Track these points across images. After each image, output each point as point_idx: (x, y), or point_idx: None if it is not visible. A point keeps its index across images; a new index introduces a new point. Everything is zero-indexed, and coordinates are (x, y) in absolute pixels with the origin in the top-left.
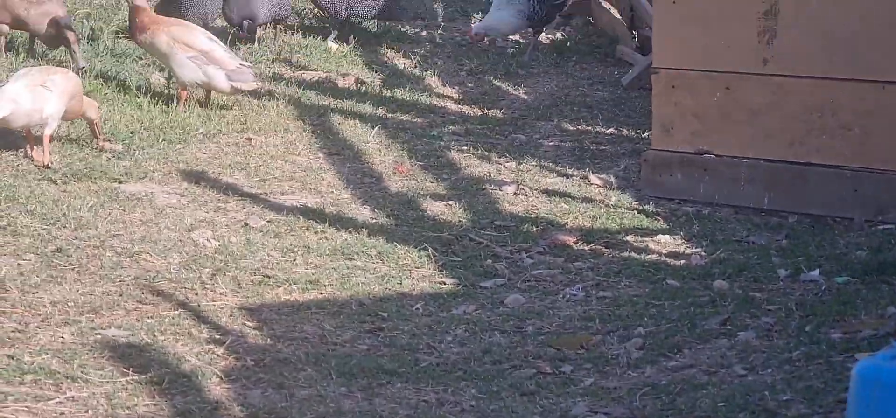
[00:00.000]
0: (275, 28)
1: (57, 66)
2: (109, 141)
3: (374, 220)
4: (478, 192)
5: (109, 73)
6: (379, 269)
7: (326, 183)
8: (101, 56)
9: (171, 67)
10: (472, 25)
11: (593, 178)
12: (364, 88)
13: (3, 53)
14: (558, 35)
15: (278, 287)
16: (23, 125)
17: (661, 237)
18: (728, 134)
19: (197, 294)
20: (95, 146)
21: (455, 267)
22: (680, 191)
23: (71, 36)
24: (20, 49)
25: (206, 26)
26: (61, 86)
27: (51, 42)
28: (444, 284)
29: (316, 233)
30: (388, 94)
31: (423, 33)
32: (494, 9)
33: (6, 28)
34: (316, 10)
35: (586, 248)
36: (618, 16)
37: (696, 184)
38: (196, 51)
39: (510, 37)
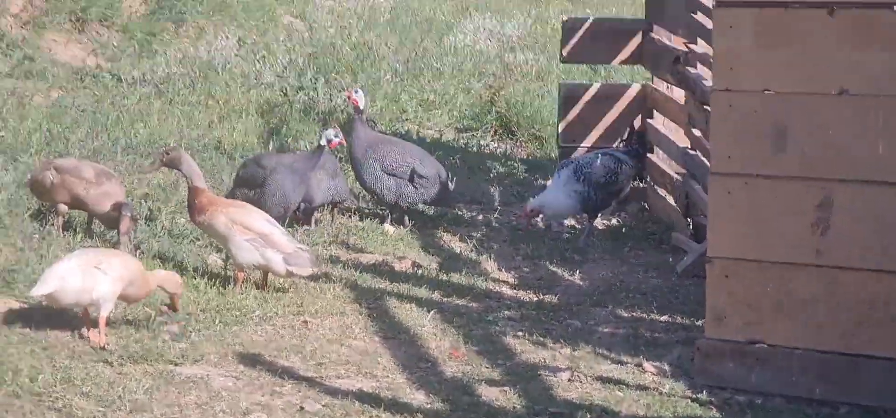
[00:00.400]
0: (332, 210)
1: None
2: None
3: (429, 405)
4: (533, 378)
5: (167, 253)
6: None
7: (382, 366)
8: (159, 236)
9: (229, 249)
10: (528, 202)
11: (647, 366)
12: (420, 272)
13: (61, 233)
14: (614, 221)
15: None
16: (71, 304)
17: None
18: (780, 324)
19: None
20: (163, 321)
21: None
22: (733, 380)
23: (124, 223)
24: (78, 229)
25: (286, 213)
26: (117, 270)
27: (110, 223)
28: None
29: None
30: (445, 277)
31: (480, 217)
32: (550, 188)
33: (64, 208)
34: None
35: None
36: (673, 203)
37: (748, 373)
38: (254, 233)
39: (565, 221)
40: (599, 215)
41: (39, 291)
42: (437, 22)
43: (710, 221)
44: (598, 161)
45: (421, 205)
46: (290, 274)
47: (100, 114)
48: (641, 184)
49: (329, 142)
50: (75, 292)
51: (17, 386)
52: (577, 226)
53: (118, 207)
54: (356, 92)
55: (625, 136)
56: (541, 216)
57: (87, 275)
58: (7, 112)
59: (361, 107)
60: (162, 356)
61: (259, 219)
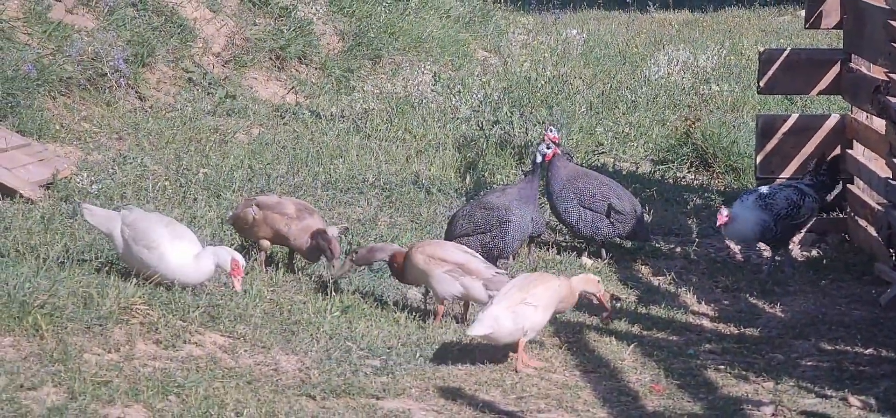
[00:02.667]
0: (529, 245)
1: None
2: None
3: None
4: (736, 413)
5: (367, 288)
6: None
7: (582, 401)
8: (360, 270)
9: (430, 284)
10: (723, 209)
11: (853, 400)
12: (619, 305)
13: (264, 268)
14: (814, 252)
15: None
16: (506, 342)
17: None
18: None
19: None
20: (602, 318)
21: None
22: None
23: (334, 245)
24: (279, 264)
25: (521, 248)
26: (544, 299)
27: (311, 256)
28: None
29: None
30: (643, 310)
31: (678, 249)
32: (737, 206)
33: (267, 243)
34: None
35: None
36: (874, 233)
37: None
38: (451, 264)
39: (758, 248)
40: (784, 247)
41: (476, 332)
42: (631, 54)
43: None
44: (781, 193)
45: (617, 239)
46: (491, 299)
47: (299, 149)
48: (841, 215)
49: (544, 156)
50: (508, 332)
51: None
52: (777, 258)
53: (317, 235)
54: (549, 129)
55: (812, 168)
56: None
57: (518, 314)
58: (210, 149)
59: (558, 142)
60: (364, 390)
61: (454, 250)
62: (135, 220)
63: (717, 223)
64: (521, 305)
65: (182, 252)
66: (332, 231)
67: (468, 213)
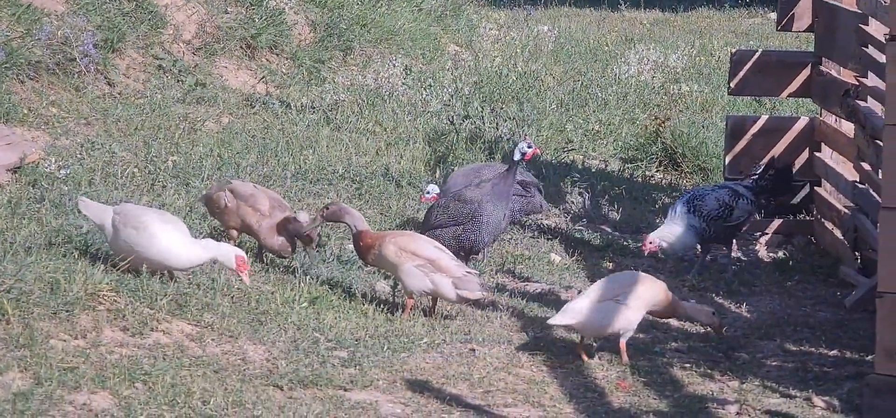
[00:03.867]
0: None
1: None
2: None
3: None
4: (700, 411)
5: (336, 279)
6: None
7: (549, 396)
8: (328, 262)
9: (399, 277)
10: (649, 236)
11: (817, 401)
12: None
13: None
14: (780, 253)
15: None
16: (591, 336)
17: None
18: None
19: None
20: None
21: None
22: None
23: (311, 230)
24: (248, 253)
25: (493, 241)
26: (638, 300)
27: (280, 253)
28: None
29: None
30: None
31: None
32: (667, 222)
33: (235, 233)
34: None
35: None
36: (841, 236)
37: None
38: (422, 259)
39: (733, 253)
40: (727, 246)
41: (558, 321)
42: (602, 52)
43: (881, 256)
44: (712, 194)
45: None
46: (460, 298)
47: (269, 140)
48: (808, 217)
49: (524, 155)
50: (593, 327)
51: (190, 409)
52: (742, 258)
53: (286, 224)
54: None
55: (758, 169)
56: (659, 251)
57: (606, 310)
58: (179, 137)
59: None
60: (331, 381)
61: (427, 246)
62: (126, 208)
63: (645, 252)
64: (611, 303)
65: (171, 233)
66: (303, 216)
67: (444, 205)
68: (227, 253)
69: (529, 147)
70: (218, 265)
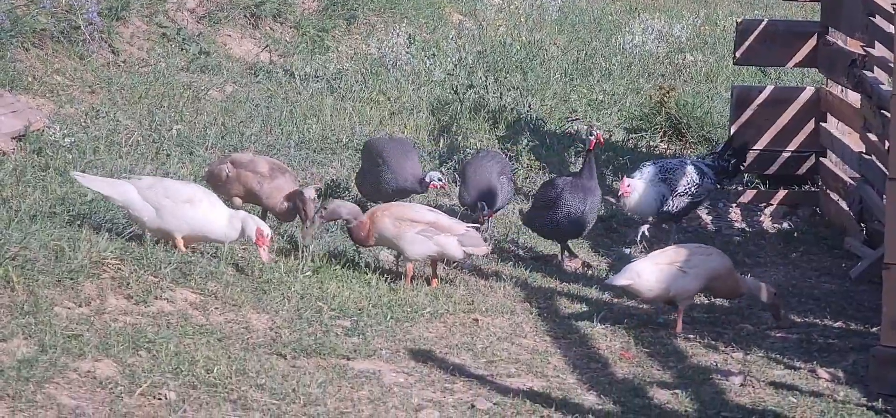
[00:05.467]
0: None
1: None
2: None
3: (600, 406)
4: (704, 382)
5: (339, 249)
6: None
7: (552, 366)
8: (332, 232)
9: (402, 247)
10: (626, 181)
11: (821, 372)
12: (590, 272)
13: None
14: (785, 225)
15: None
16: (649, 299)
17: None
18: None
19: None
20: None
21: None
22: None
23: (309, 207)
24: None
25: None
26: (699, 269)
27: (284, 217)
28: None
29: (542, 417)
30: None
31: (650, 218)
32: (637, 177)
33: (239, 201)
34: None
35: None
36: (846, 208)
37: None
38: (423, 224)
39: (729, 217)
40: (676, 223)
41: (616, 281)
42: (606, 22)
43: (888, 227)
44: (681, 169)
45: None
46: (466, 255)
47: (273, 108)
48: (813, 188)
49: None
50: (650, 289)
51: (194, 377)
52: (746, 229)
53: (294, 196)
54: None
55: (719, 149)
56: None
57: (664, 273)
58: (183, 105)
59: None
60: (335, 350)
61: (422, 210)
62: (155, 182)
63: (620, 192)
64: (670, 266)
65: (216, 206)
66: (309, 192)
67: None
68: (250, 224)
69: (591, 134)
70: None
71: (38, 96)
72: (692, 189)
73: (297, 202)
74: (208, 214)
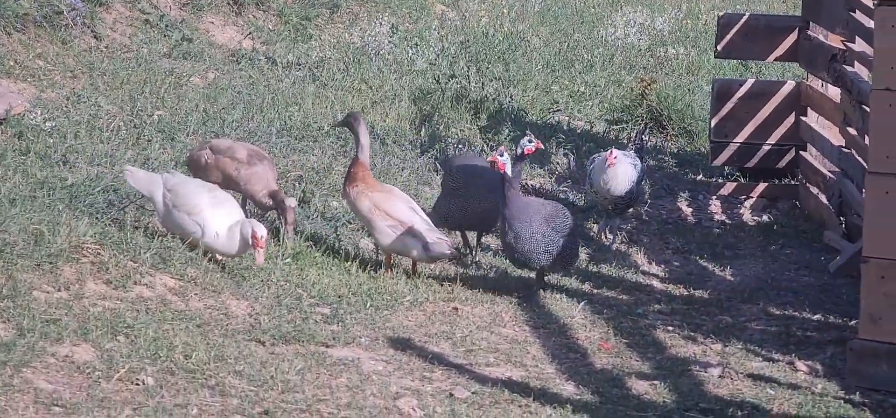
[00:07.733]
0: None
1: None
2: None
3: (578, 397)
4: (683, 373)
5: (319, 235)
6: None
7: (531, 356)
8: (312, 219)
9: (371, 232)
10: (614, 152)
11: (799, 365)
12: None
13: None
14: (764, 217)
15: None
16: None
17: None
18: None
19: None
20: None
21: None
22: (887, 383)
23: (290, 214)
24: None
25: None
26: None
27: (262, 206)
28: None
29: (520, 406)
30: (594, 269)
31: (630, 210)
32: (621, 153)
33: (218, 188)
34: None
35: None
36: (825, 201)
37: None
38: (395, 220)
39: (709, 209)
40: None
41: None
42: (588, 14)
43: (866, 221)
44: (640, 159)
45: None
46: (430, 259)
47: (255, 96)
48: (792, 181)
49: (524, 150)
50: None
51: (172, 362)
52: (726, 221)
53: (280, 200)
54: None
55: (634, 137)
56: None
57: None
58: (165, 91)
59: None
60: (313, 337)
61: (402, 206)
62: (177, 187)
63: (607, 164)
64: None
65: (223, 220)
66: (291, 202)
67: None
68: (246, 227)
69: (530, 141)
70: None
71: (19, 80)
72: (644, 178)
73: (277, 209)
74: (207, 226)
